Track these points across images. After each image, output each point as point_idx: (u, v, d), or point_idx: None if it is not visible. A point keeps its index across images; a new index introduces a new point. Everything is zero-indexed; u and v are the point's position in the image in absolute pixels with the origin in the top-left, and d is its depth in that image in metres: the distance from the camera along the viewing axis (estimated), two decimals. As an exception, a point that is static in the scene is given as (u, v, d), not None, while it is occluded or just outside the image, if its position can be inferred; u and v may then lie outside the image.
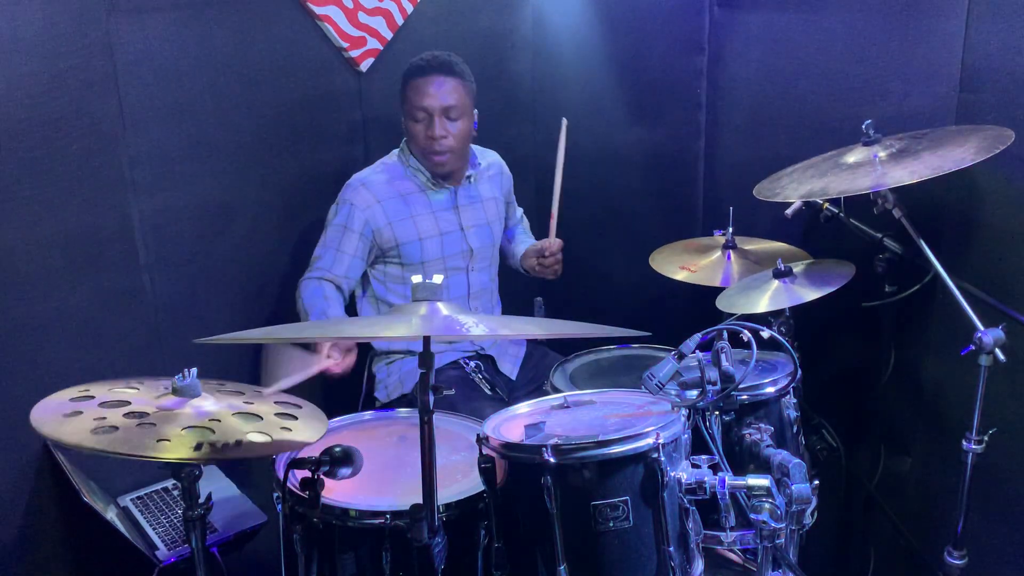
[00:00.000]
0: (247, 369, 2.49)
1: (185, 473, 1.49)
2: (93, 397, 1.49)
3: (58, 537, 2.19)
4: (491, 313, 2.60)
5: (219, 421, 1.46)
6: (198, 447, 1.37)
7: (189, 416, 1.45)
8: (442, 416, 1.96)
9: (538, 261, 2.52)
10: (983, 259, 2.02)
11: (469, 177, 2.47)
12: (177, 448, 1.37)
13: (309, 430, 1.55)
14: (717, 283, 2.20)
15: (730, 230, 2.31)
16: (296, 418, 1.57)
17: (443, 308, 1.45)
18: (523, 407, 1.81)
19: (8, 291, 2.03)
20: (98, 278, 2.17)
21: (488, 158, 2.59)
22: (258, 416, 1.52)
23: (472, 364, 2.45)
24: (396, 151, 2.45)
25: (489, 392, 2.39)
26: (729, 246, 2.30)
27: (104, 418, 1.41)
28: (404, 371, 2.43)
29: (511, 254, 2.69)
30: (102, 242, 2.16)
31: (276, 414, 1.55)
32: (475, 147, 2.53)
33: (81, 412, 1.42)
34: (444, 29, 2.77)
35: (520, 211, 2.76)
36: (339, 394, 2.52)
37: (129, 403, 1.47)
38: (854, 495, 2.39)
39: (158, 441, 1.37)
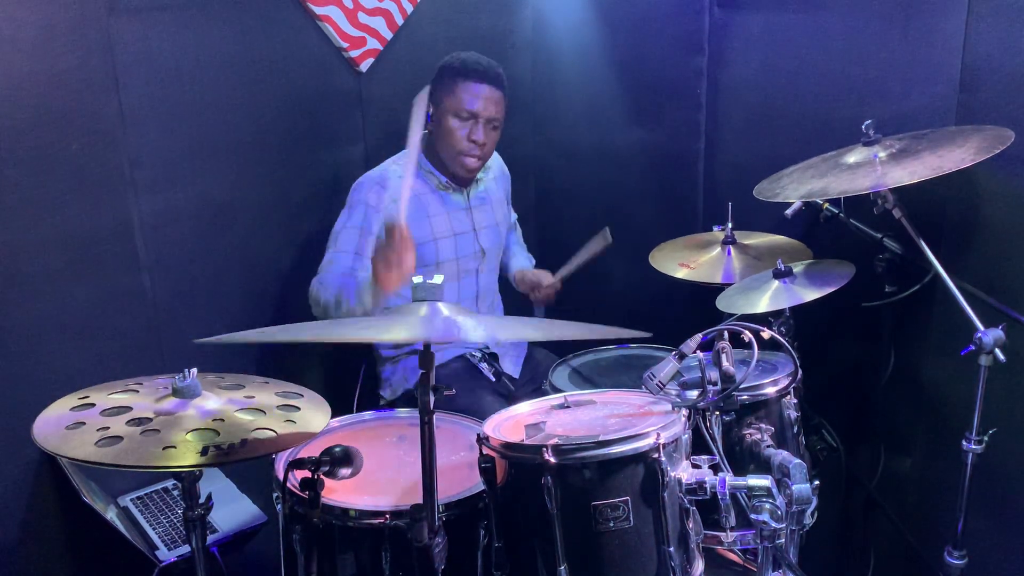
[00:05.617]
0: (247, 369, 2.48)
1: (185, 473, 1.49)
2: (93, 405, 1.47)
3: (58, 537, 2.19)
4: (494, 313, 2.60)
5: (223, 420, 1.45)
6: (204, 452, 1.36)
7: (192, 418, 1.44)
8: (443, 416, 1.96)
9: (532, 288, 2.54)
10: (983, 259, 2.02)
11: (479, 180, 2.47)
12: (183, 455, 1.35)
13: (313, 421, 1.54)
14: (718, 280, 2.20)
15: (729, 225, 2.30)
16: (299, 408, 1.56)
17: (443, 309, 1.45)
18: (523, 407, 1.81)
19: (8, 291, 2.03)
20: (98, 278, 2.17)
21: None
22: (260, 411, 1.51)
23: (478, 356, 2.44)
24: (404, 152, 2.44)
25: (493, 380, 2.38)
26: (729, 241, 2.30)
27: (107, 428, 1.39)
28: (409, 368, 2.42)
29: (505, 266, 2.69)
30: (102, 242, 2.16)
31: (278, 407, 1.55)
32: None
33: (83, 423, 1.41)
34: (444, 29, 2.77)
35: (515, 216, 2.75)
36: (337, 395, 2.52)
37: (130, 408, 1.46)
38: (854, 495, 2.39)
39: (164, 449, 1.35)
